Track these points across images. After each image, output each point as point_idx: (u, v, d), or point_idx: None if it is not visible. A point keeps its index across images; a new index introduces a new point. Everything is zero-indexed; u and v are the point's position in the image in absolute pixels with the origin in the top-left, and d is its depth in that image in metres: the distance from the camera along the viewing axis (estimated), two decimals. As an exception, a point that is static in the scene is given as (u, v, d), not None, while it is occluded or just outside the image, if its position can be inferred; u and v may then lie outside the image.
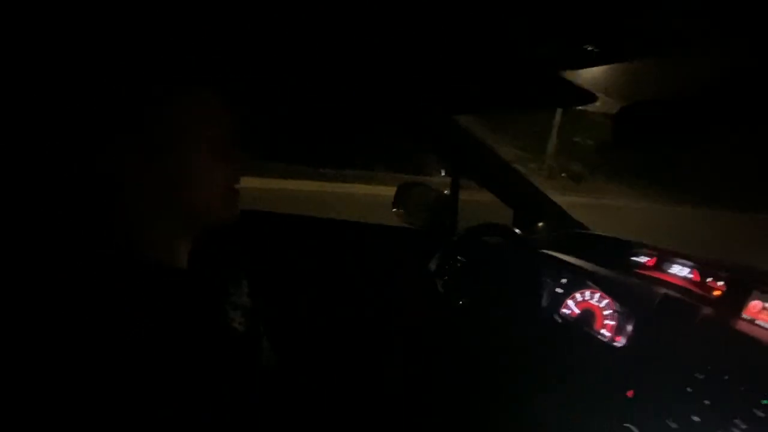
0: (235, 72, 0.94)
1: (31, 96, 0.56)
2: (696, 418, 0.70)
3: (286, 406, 0.71)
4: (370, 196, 6.01)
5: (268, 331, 0.75)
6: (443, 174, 1.40)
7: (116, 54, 0.55)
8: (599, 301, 1.05)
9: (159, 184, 0.55)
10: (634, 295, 0.99)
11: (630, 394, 0.82)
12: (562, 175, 9.96)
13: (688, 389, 0.74)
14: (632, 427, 0.78)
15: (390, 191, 1.46)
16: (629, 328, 0.94)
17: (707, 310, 0.87)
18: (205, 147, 0.57)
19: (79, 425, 0.43)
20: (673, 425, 0.73)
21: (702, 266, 1.04)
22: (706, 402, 0.71)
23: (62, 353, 0.44)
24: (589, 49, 0.69)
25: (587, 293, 1.09)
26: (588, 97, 0.98)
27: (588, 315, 1.06)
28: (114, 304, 0.48)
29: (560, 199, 1.45)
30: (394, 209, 1.40)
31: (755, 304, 0.87)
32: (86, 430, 0.43)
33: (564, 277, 1.15)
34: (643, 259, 1.16)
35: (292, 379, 0.78)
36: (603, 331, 1.00)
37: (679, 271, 1.08)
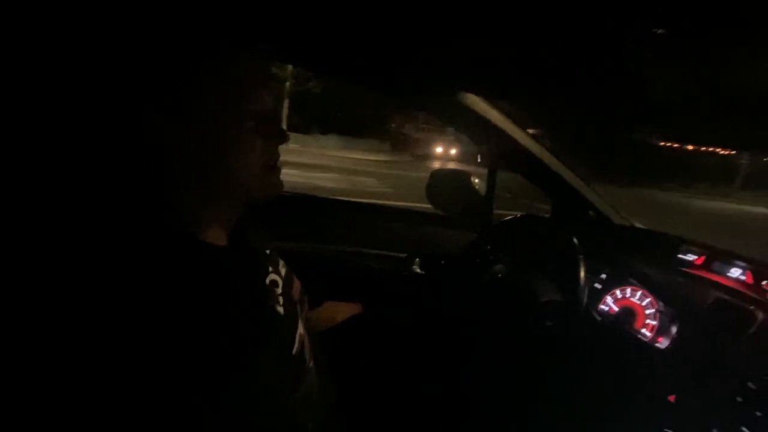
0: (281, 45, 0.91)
1: (73, 62, 0.55)
2: (745, 430, 0.66)
3: (322, 391, 0.70)
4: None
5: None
6: (479, 161, 1.34)
7: (161, 23, 0.54)
8: (641, 300, 1.00)
9: (199, 157, 0.54)
10: (680, 296, 0.94)
11: (672, 398, 0.78)
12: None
13: (738, 399, 0.69)
14: None
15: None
16: (673, 329, 0.89)
17: (762, 316, 0.81)
18: (246, 122, 0.56)
19: (119, 392, 0.43)
20: None
21: (756, 268, 0.98)
22: (758, 414, 0.67)
23: (100, 324, 0.44)
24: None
25: (628, 291, 1.04)
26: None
27: (628, 313, 1.01)
28: (153, 280, 0.48)
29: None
30: (428, 195, 1.37)
31: (817, 312, 0.81)
32: (122, 398, 0.43)
33: (603, 273, 1.10)
34: (690, 257, 1.10)
35: (330, 367, 0.77)
36: (644, 330, 0.96)
37: (731, 271, 1.02)
